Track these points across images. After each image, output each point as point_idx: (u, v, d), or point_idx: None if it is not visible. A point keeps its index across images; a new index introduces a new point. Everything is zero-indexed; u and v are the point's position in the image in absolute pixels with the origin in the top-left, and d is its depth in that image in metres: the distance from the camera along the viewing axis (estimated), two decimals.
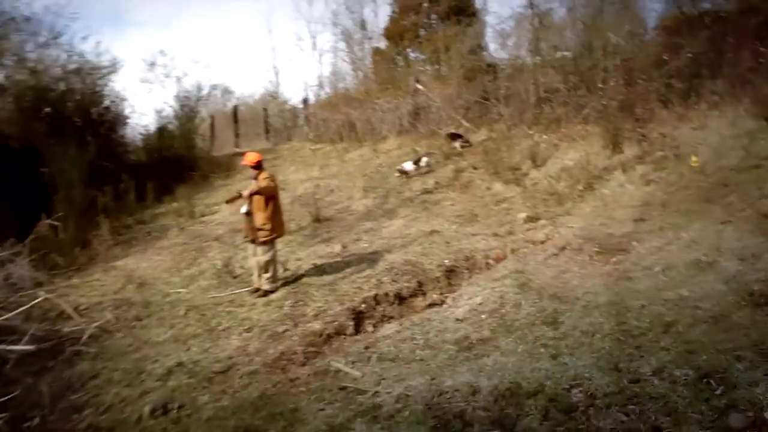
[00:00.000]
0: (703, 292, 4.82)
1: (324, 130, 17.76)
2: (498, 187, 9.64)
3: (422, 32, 21.51)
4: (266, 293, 6.54)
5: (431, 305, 6.03)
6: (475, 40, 18.04)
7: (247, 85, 46.93)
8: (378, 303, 6.10)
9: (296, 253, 7.80)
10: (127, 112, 14.87)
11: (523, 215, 8.10)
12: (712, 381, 3.49)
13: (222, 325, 5.91)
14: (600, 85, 10.76)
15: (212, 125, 18.81)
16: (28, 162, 10.26)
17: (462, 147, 11.84)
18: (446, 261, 6.70)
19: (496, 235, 7.56)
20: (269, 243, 6.48)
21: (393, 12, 21.48)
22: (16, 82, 12.16)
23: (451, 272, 6.53)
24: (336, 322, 5.66)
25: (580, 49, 11.65)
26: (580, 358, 4.09)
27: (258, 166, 6.52)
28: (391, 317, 5.90)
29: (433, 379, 4.16)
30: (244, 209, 6.51)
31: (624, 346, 4.15)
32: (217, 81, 26.31)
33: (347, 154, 14.48)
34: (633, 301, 4.93)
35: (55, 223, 8.88)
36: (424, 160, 11.31)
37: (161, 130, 15.50)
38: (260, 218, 6.38)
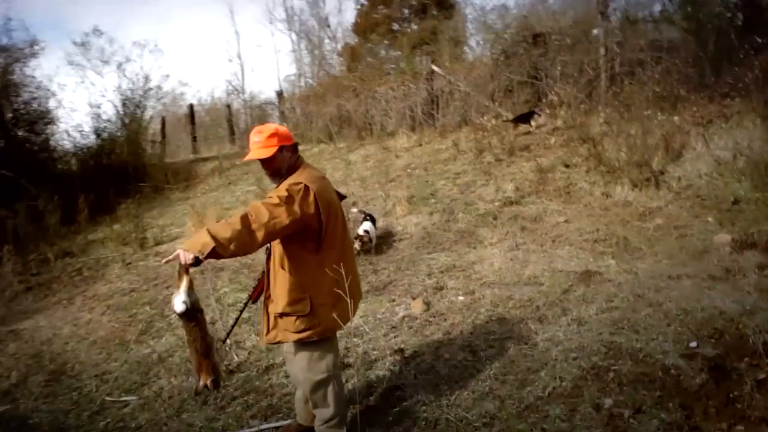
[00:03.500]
0: None
1: (307, 127, 14.20)
2: (623, 191, 6.30)
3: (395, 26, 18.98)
4: None
5: None
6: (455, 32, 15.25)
7: (206, 80, 41.78)
8: None
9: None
10: (52, 108, 10.90)
11: (725, 238, 4.78)
12: None
13: None
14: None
15: (163, 127, 14.98)
16: None
17: (537, 127, 8.58)
18: (692, 344, 3.25)
19: (712, 278, 4.19)
20: (316, 342, 2.67)
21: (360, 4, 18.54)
22: None
23: (718, 371, 3.06)
24: None
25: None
26: None
27: (275, 166, 2.61)
28: None
29: None
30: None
31: None
32: (170, 72, 22.07)
33: (350, 155, 10.93)
34: None
35: None
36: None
37: (99, 131, 11.54)
38: (285, 283, 2.58)
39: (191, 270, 2.22)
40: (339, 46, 19.88)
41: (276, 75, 34.47)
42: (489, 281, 4.80)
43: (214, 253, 2.15)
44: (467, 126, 10.80)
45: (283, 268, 2.54)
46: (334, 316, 2.56)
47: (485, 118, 9.99)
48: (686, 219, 5.46)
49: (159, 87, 12.78)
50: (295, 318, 2.53)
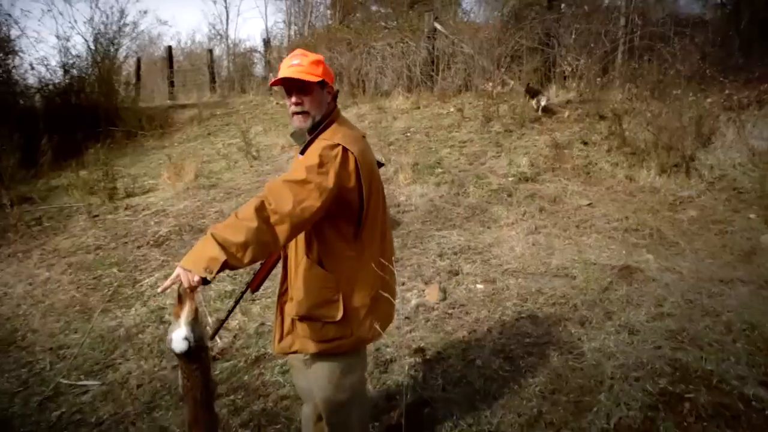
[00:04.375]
0: None
1: None
2: (649, 175, 5.77)
3: None
4: None
5: None
6: None
7: (187, 22, 39.16)
8: None
9: None
10: (14, 37, 9.93)
11: None
12: None
13: None
14: None
15: (138, 69, 13.85)
16: None
17: (538, 109, 7.85)
18: None
19: None
20: (341, 355, 2.01)
21: None
22: None
23: None
24: None
25: None
26: None
27: (313, 103, 1.85)
28: None
29: None
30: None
31: None
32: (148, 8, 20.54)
33: (343, 113, 10.11)
34: None
35: None
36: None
37: (67, 67, 10.45)
38: (312, 278, 1.88)
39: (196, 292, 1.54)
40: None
41: (264, 22, 32.39)
42: (511, 269, 4.22)
43: (226, 266, 1.50)
44: (468, 91, 10.09)
45: (308, 257, 1.86)
46: (374, 324, 1.93)
47: (490, 84, 9.31)
48: (724, 213, 4.96)
49: (135, 24, 11.63)
50: (320, 324, 1.88)
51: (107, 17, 11.06)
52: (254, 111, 11.61)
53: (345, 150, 1.77)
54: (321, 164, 1.70)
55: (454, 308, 3.68)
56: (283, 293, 1.96)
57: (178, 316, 1.52)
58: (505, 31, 10.03)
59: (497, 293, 3.86)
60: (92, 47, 11.07)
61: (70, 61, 10.55)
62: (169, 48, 15.04)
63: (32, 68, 10.39)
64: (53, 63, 10.67)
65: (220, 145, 9.31)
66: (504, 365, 2.97)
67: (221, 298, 4.27)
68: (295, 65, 1.84)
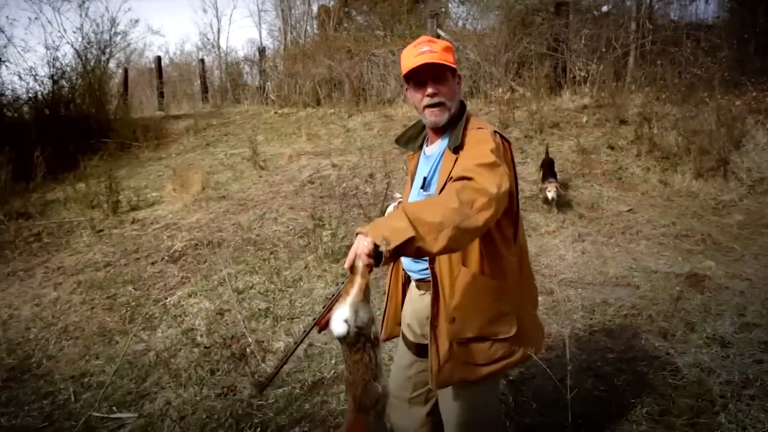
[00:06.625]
0: None
1: (291, 89, 12.96)
2: (684, 180, 5.59)
3: None
4: None
5: None
6: None
7: (175, 32, 38.32)
8: None
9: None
10: (0, 45, 9.69)
11: None
12: None
13: None
14: None
15: (125, 79, 13.45)
16: None
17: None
18: None
19: None
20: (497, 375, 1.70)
21: None
22: None
23: None
24: None
25: None
26: None
27: (449, 94, 1.61)
28: None
29: None
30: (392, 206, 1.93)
31: None
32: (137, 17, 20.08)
33: (348, 122, 9.90)
34: None
35: None
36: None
37: (56, 77, 10.04)
38: (479, 292, 1.57)
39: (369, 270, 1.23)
40: (314, 8, 18.34)
41: (258, 30, 31.84)
42: (566, 279, 3.97)
43: (410, 247, 1.20)
44: (475, 98, 9.92)
45: (465, 265, 1.56)
46: (538, 336, 1.73)
47: (500, 90, 9.14)
48: (755, 214, 4.79)
49: (125, 33, 11.28)
50: (490, 344, 1.59)
51: (97, 26, 10.66)
52: (252, 121, 11.29)
53: (502, 137, 1.56)
54: (497, 148, 1.46)
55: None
56: (435, 316, 1.61)
57: (345, 294, 1.23)
58: (512, 37, 9.89)
59: (559, 305, 3.60)
60: (82, 57, 10.68)
61: (60, 71, 10.13)
62: (158, 58, 14.69)
63: (20, 78, 10.00)
64: (41, 73, 10.18)
65: (222, 155, 8.97)
66: (598, 384, 2.69)
67: (255, 317, 3.95)
68: (426, 52, 1.57)
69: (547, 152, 5.91)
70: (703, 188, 5.44)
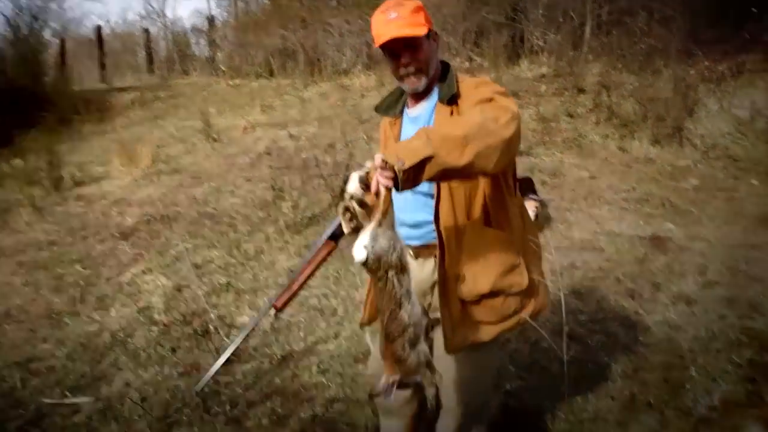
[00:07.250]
0: None
1: (243, 59, 12.48)
2: (641, 146, 5.69)
3: None
4: None
5: None
6: None
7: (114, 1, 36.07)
8: None
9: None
10: None
11: None
12: None
13: None
14: None
15: (62, 51, 12.66)
16: None
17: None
18: None
19: None
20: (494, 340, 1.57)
21: None
22: None
23: None
24: None
25: None
26: None
27: (423, 57, 1.46)
28: None
29: None
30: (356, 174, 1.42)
31: None
32: None
33: (303, 93, 9.63)
34: None
35: None
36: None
37: None
38: (489, 243, 1.49)
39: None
40: None
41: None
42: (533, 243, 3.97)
43: (431, 167, 1.11)
44: None
45: (470, 218, 1.47)
46: (545, 290, 1.66)
47: (458, 60, 9.07)
48: (725, 181, 4.94)
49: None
50: (502, 298, 1.50)
51: None
52: (202, 93, 10.84)
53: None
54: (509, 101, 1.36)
55: None
56: (443, 276, 1.50)
57: (370, 218, 1.18)
58: (470, 5, 9.77)
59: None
60: (13, 24, 9.96)
61: None
62: (99, 27, 13.88)
63: None
64: None
65: (172, 128, 8.58)
66: (572, 345, 2.69)
67: (216, 292, 3.77)
68: (394, 19, 1.43)
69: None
70: (660, 154, 5.56)
